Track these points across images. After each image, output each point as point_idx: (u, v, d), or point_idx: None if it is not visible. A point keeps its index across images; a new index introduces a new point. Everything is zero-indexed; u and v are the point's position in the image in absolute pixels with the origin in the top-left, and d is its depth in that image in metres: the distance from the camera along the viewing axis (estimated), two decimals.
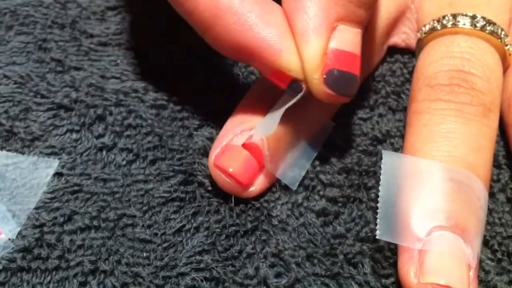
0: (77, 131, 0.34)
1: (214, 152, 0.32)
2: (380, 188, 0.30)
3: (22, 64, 0.37)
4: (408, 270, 0.29)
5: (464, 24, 0.34)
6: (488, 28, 0.33)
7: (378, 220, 0.29)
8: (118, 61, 0.37)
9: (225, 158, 0.31)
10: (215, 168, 0.31)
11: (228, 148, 0.32)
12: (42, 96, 0.35)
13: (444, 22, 0.34)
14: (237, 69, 0.37)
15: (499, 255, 0.31)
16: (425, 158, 0.30)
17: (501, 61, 0.34)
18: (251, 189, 0.32)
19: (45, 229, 0.30)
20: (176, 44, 0.38)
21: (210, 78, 0.37)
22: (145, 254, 0.30)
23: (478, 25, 0.33)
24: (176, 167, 0.33)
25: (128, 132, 0.34)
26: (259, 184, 0.32)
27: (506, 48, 0.34)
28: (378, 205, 0.29)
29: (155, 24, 0.39)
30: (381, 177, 0.30)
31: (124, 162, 0.33)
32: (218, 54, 0.38)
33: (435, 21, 0.34)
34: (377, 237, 0.29)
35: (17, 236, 0.30)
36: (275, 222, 0.31)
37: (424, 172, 0.30)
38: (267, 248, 0.30)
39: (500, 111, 0.33)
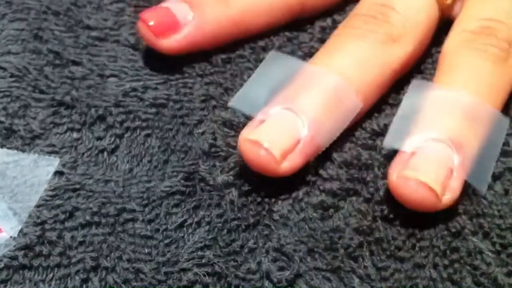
0: (78, 130, 0.34)
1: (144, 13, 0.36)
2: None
3: (18, 54, 0.37)
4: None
5: None
6: None
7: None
8: (117, 57, 0.37)
9: (149, 11, 0.36)
10: (140, 19, 0.36)
11: (158, 6, 0.37)
12: (41, 92, 0.35)
13: None
14: (233, 65, 0.37)
15: (497, 247, 0.31)
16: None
17: (438, 9, 0.36)
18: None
19: (46, 226, 0.30)
20: None
21: (210, 73, 0.37)
22: (146, 250, 0.30)
23: None
24: (178, 168, 0.33)
25: (128, 134, 0.34)
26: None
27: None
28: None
29: None
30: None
31: (126, 161, 0.33)
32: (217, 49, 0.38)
33: None
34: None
35: (18, 234, 0.30)
36: (276, 217, 0.31)
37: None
38: (269, 242, 0.31)
39: None
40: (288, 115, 0.32)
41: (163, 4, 0.37)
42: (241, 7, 0.37)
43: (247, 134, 0.32)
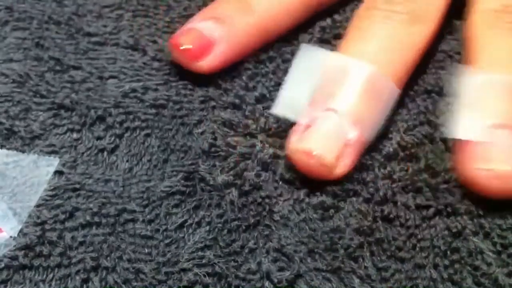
0: (78, 131, 0.34)
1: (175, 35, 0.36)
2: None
3: (20, 62, 0.37)
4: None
5: None
6: None
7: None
8: (116, 58, 0.37)
9: (180, 36, 0.36)
10: (171, 45, 0.36)
11: (187, 29, 0.36)
12: (42, 96, 0.35)
13: None
14: (232, 66, 0.37)
15: (498, 247, 0.31)
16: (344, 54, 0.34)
17: None
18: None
19: (47, 226, 0.30)
20: None
21: (209, 75, 0.37)
22: (146, 250, 0.30)
23: None
24: (177, 168, 0.33)
25: (127, 133, 0.34)
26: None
27: None
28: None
29: (152, 22, 0.39)
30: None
31: (125, 160, 0.33)
32: None
33: None
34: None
35: (18, 234, 0.30)
36: (276, 217, 0.31)
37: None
38: (270, 243, 0.31)
39: None
40: (332, 118, 0.32)
41: (189, 25, 0.36)
42: (265, 12, 0.37)
43: (297, 144, 0.32)
